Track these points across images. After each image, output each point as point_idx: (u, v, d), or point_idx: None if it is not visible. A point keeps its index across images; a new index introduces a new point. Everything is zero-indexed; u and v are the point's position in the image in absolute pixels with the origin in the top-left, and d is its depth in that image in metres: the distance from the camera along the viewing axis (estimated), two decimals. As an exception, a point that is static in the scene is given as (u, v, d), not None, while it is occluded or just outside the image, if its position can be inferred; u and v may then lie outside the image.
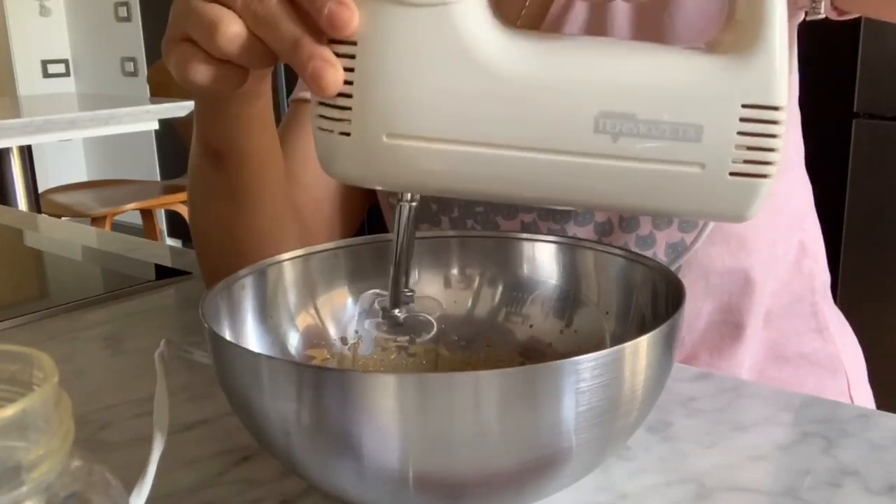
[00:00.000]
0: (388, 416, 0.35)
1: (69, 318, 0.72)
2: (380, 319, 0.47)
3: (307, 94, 0.74)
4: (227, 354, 0.38)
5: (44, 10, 4.33)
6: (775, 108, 0.37)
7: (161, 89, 3.03)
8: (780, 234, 0.70)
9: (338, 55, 0.38)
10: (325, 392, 0.35)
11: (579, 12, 0.66)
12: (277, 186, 0.63)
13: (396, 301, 0.45)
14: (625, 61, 0.38)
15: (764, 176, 0.38)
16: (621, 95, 0.37)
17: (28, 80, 4.30)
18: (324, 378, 0.35)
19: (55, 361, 0.26)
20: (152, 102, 2.59)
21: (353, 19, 0.37)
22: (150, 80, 3.17)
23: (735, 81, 0.37)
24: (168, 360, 0.42)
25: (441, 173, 0.39)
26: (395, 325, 0.46)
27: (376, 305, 0.52)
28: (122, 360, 0.63)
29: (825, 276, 0.77)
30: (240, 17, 0.40)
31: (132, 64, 4.21)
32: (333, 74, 0.38)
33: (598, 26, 0.65)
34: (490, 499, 0.38)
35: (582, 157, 0.38)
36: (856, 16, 0.62)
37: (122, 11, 4.18)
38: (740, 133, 0.37)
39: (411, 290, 0.46)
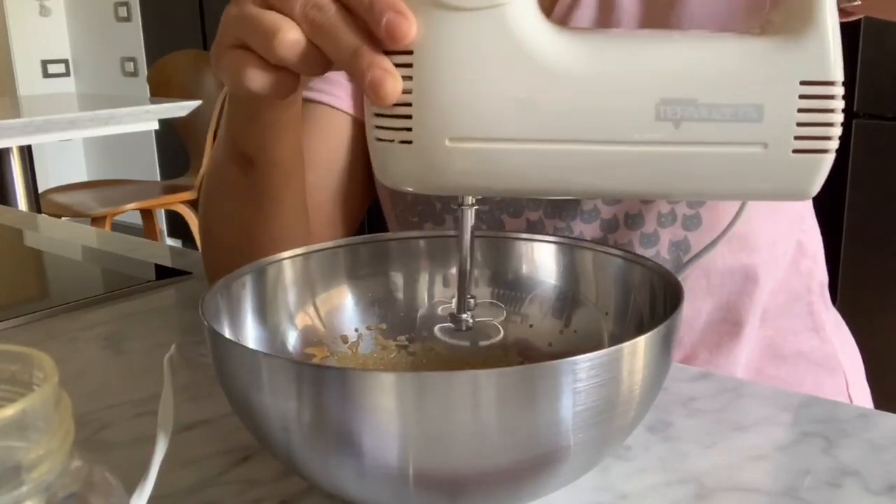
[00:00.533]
0: (387, 414, 0.35)
1: (69, 318, 0.72)
2: (448, 324, 0.47)
3: (308, 94, 0.74)
4: (227, 352, 0.38)
5: (44, 10, 4.33)
6: (832, 83, 0.38)
7: (161, 89, 3.04)
8: (780, 234, 0.71)
9: (394, 65, 0.38)
10: (324, 390, 0.35)
11: (585, 12, 0.66)
12: (300, 191, 0.64)
13: (463, 306, 0.45)
14: (680, 48, 0.39)
15: (825, 151, 0.39)
16: (680, 81, 0.38)
17: (28, 80, 4.30)
18: (323, 376, 0.36)
19: (55, 361, 0.26)
20: (152, 102, 2.59)
21: (411, 30, 0.38)
22: (150, 80, 3.17)
23: (792, 59, 0.38)
24: (175, 364, 0.42)
25: (504, 173, 0.39)
26: (462, 330, 0.47)
27: (440, 311, 0.53)
28: (122, 360, 0.63)
29: (823, 277, 0.77)
30: (297, 24, 0.41)
31: (132, 64, 4.21)
32: (393, 84, 0.38)
33: (604, 26, 0.66)
34: (489, 497, 0.39)
35: (645, 146, 0.38)
36: (860, 17, 0.62)
37: (122, 11, 4.18)
38: (801, 110, 0.38)
39: (472, 296, 0.46)
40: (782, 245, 0.71)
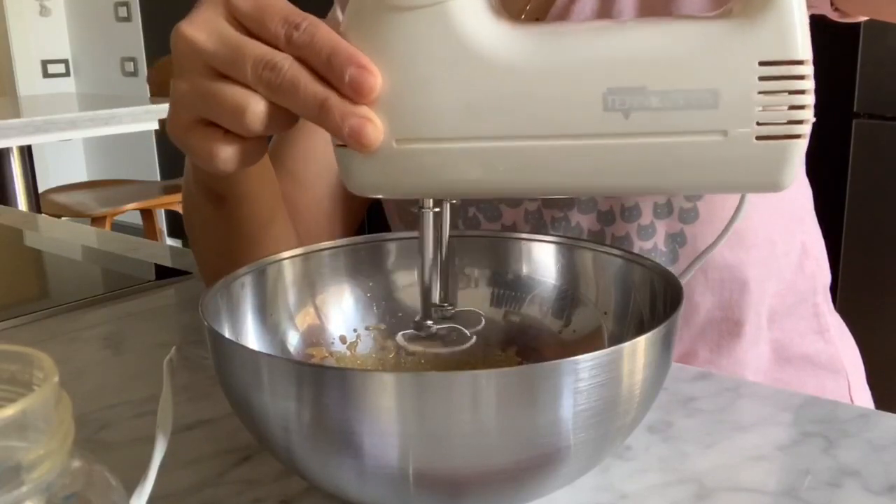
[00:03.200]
0: (387, 414, 0.35)
1: (69, 318, 0.72)
2: (412, 331, 0.46)
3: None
4: (227, 353, 0.38)
5: (44, 10, 4.33)
6: (798, 62, 0.35)
7: (161, 89, 3.03)
8: (779, 234, 0.70)
9: None
10: (324, 391, 0.35)
11: (586, 3, 0.66)
12: (277, 218, 0.63)
13: (428, 313, 0.45)
14: (628, 35, 0.37)
15: (796, 136, 0.36)
16: (627, 69, 0.36)
17: (28, 80, 4.30)
18: (323, 377, 0.36)
19: (55, 361, 0.26)
20: (152, 102, 2.59)
21: (376, 83, 0.37)
22: (150, 80, 3.17)
23: (749, 39, 0.36)
24: (175, 365, 0.42)
25: (455, 174, 0.38)
26: (427, 337, 0.46)
27: (415, 318, 0.52)
28: (122, 360, 0.63)
29: (826, 279, 0.77)
30: (254, 89, 0.39)
31: (132, 64, 4.21)
32: (374, 130, 0.37)
33: (603, 17, 0.65)
34: (489, 497, 0.39)
35: (595, 139, 0.37)
36: (859, 19, 0.62)
37: (122, 11, 4.18)
38: (762, 93, 0.36)
39: (451, 305, 0.45)
40: (782, 245, 0.71)
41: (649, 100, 0.36)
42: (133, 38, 4.16)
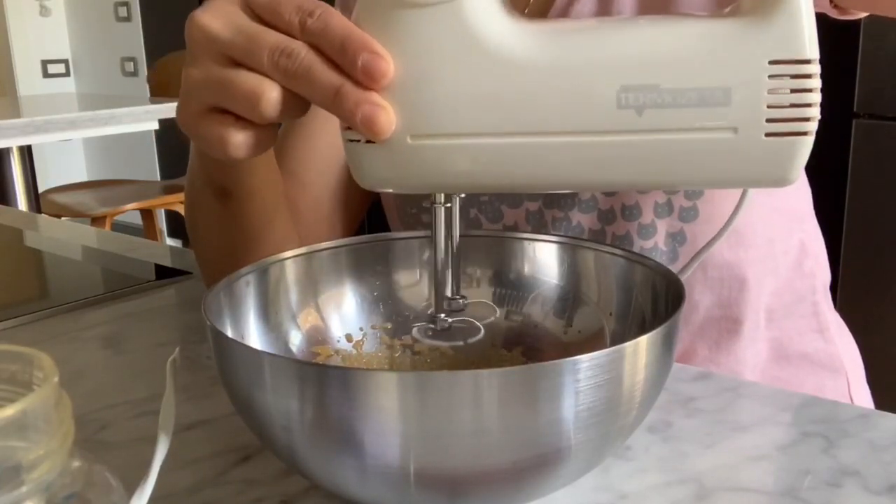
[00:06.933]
0: (389, 413, 0.35)
1: (69, 318, 0.72)
2: (426, 325, 0.47)
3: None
4: (230, 352, 0.38)
5: (44, 10, 4.33)
6: (806, 62, 0.36)
7: (161, 89, 3.03)
8: (778, 233, 0.70)
9: None
10: (326, 390, 0.35)
11: (585, 5, 0.66)
12: (280, 215, 0.63)
13: (440, 306, 0.45)
14: (641, 33, 0.38)
15: (803, 133, 0.37)
16: (641, 67, 0.37)
17: (28, 80, 4.30)
18: (325, 376, 0.36)
19: (55, 361, 0.26)
20: (152, 102, 2.58)
21: (388, 69, 0.37)
22: (150, 80, 3.17)
23: (759, 39, 0.36)
24: (178, 366, 0.42)
25: (469, 169, 0.39)
26: (441, 330, 0.46)
27: (428, 312, 0.52)
28: (122, 360, 0.63)
29: (826, 277, 0.77)
30: (269, 75, 0.40)
31: (132, 64, 4.21)
32: (386, 117, 0.38)
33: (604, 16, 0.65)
34: (489, 496, 0.39)
35: (608, 136, 0.37)
36: (858, 16, 0.62)
37: (122, 11, 4.18)
38: (771, 91, 0.36)
39: (463, 297, 0.46)
40: (781, 244, 0.71)
41: (662, 97, 0.37)
42: (133, 38, 4.16)
